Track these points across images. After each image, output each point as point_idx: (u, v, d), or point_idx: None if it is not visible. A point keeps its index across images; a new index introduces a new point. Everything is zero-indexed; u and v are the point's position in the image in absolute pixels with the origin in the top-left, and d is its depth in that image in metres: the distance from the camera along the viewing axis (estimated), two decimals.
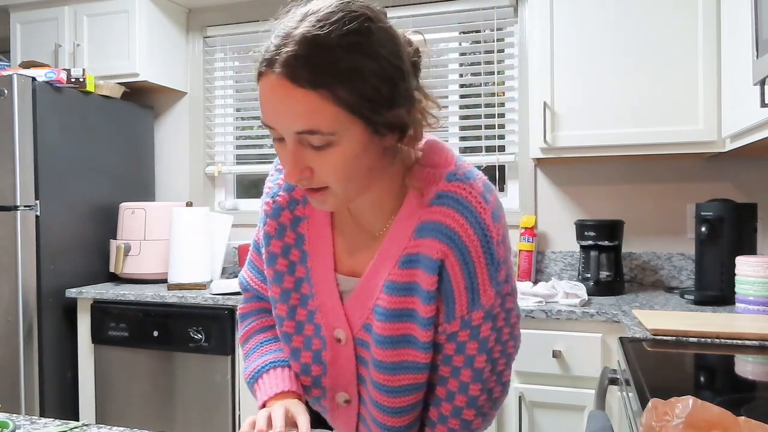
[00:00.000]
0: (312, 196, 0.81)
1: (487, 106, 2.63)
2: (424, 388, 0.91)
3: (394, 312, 0.86)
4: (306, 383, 0.98)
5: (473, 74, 2.70)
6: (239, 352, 1.03)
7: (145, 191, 2.98)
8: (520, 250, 2.41)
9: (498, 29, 2.61)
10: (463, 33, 2.70)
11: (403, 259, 0.85)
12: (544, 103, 2.15)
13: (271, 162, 2.96)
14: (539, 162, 2.49)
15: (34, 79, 2.38)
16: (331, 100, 0.71)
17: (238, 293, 2.25)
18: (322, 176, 0.77)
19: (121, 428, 0.96)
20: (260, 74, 0.74)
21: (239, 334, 1.09)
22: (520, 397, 1.91)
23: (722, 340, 1.45)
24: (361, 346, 0.92)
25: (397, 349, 0.87)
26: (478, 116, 2.63)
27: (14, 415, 1.04)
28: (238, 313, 1.11)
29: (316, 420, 1.09)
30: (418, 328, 0.86)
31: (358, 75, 0.72)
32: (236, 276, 2.53)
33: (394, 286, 0.86)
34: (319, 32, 0.71)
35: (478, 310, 0.85)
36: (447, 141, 2.59)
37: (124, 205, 2.69)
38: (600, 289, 2.16)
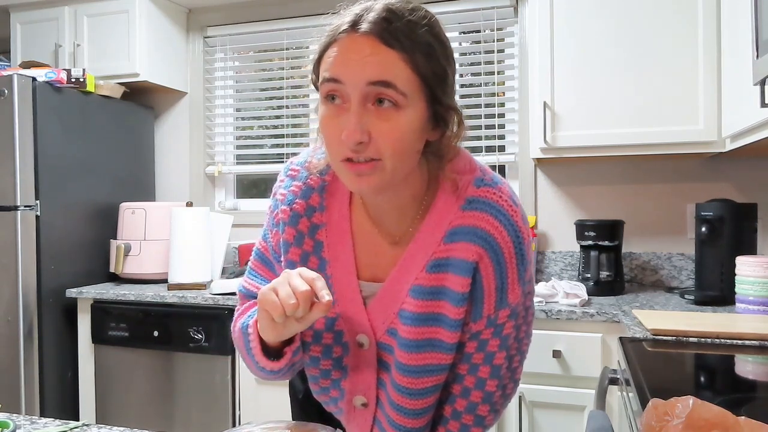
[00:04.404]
0: (359, 170, 0.78)
1: (487, 106, 2.63)
2: (441, 388, 0.92)
3: (422, 316, 0.87)
4: (325, 385, 0.98)
5: (473, 74, 2.70)
6: (239, 352, 1.00)
7: (145, 191, 2.98)
8: None
9: (498, 29, 2.61)
10: (463, 33, 2.70)
11: (431, 264, 0.86)
12: (544, 103, 2.14)
13: (271, 162, 2.96)
14: (539, 162, 2.49)
15: (34, 79, 2.38)
16: (409, 64, 0.76)
17: None
18: (380, 144, 0.77)
19: (121, 428, 0.96)
20: (338, 36, 0.78)
21: (233, 323, 1.01)
22: (520, 397, 1.91)
23: (722, 340, 1.45)
24: (383, 350, 0.92)
25: (422, 352, 0.88)
26: (478, 116, 2.63)
27: (14, 415, 1.04)
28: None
29: (321, 416, 1.09)
30: (445, 331, 0.87)
31: (432, 50, 0.78)
32: (236, 276, 2.52)
33: (422, 290, 0.87)
34: (399, 6, 0.78)
35: (504, 308, 0.87)
36: None
37: (124, 205, 2.69)
38: (600, 289, 2.16)
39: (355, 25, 0.77)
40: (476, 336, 0.88)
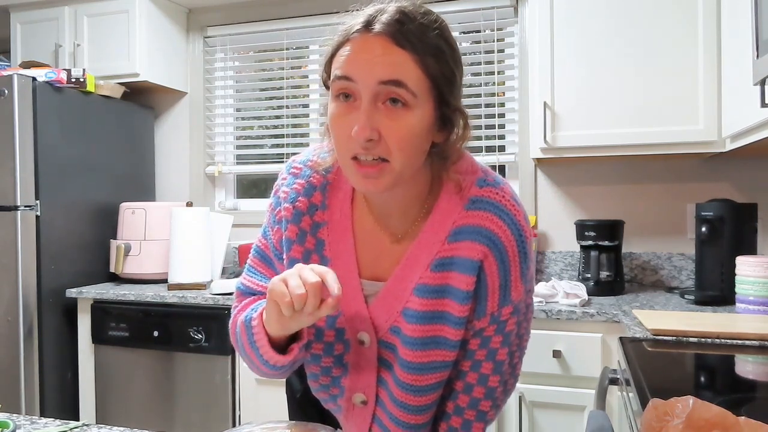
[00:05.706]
0: (367, 171, 0.80)
1: (487, 106, 2.63)
2: (444, 384, 0.93)
3: (426, 314, 0.88)
4: (325, 382, 0.98)
5: (473, 74, 2.70)
6: (238, 348, 1.00)
7: (145, 191, 2.98)
8: None
9: (498, 29, 2.61)
10: (463, 33, 2.70)
11: (435, 263, 0.87)
12: (544, 103, 2.14)
13: (271, 162, 2.96)
14: (539, 162, 2.49)
15: (34, 79, 2.38)
16: (420, 65, 0.78)
17: None
18: (389, 142, 0.78)
19: (121, 428, 0.96)
20: (351, 36, 0.80)
21: (231, 319, 1.00)
22: (520, 397, 1.91)
23: (722, 340, 1.45)
24: (385, 348, 0.93)
25: (427, 350, 0.89)
26: (479, 116, 2.63)
27: (14, 415, 1.04)
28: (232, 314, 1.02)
29: (319, 416, 1.09)
30: (449, 328, 0.88)
31: (441, 53, 0.80)
32: (236, 276, 2.53)
33: (427, 288, 0.88)
34: (411, 9, 0.80)
35: (508, 305, 0.88)
36: None
37: (124, 205, 2.69)
38: (600, 289, 2.16)
39: (368, 25, 0.79)
40: (480, 333, 0.89)
